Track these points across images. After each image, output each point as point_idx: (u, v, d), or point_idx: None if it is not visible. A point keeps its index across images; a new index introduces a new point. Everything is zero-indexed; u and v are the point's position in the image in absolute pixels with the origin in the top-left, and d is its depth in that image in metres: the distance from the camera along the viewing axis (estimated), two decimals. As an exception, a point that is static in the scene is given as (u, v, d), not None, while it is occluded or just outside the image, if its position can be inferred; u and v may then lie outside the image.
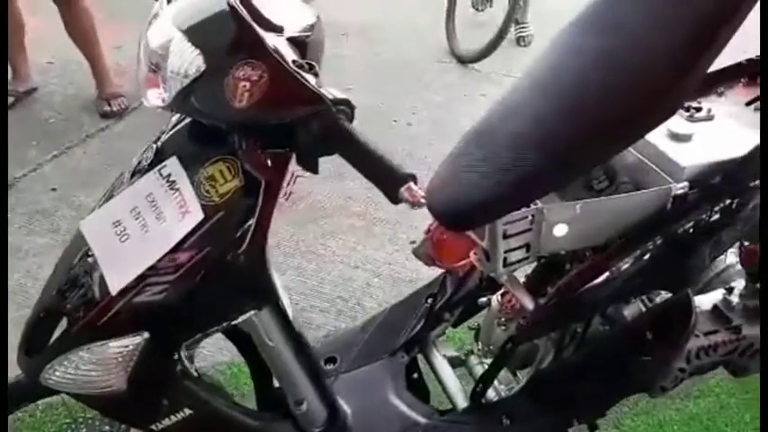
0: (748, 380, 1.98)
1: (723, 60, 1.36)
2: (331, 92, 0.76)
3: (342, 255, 2.30)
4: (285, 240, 2.33)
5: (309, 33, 0.84)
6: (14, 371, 1.10)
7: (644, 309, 1.26)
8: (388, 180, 0.72)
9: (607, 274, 1.21)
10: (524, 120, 1.06)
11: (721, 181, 1.17)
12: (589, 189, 1.25)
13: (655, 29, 0.98)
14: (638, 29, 1.00)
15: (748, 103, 1.31)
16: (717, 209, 1.18)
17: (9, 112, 2.82)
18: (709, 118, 1.29)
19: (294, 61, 0.77)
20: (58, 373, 0.92)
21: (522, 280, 1.35)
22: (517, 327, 1.27)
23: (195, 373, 0.97)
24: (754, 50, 1.27)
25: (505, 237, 1.14)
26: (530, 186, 1.05)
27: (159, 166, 0.86)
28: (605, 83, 1.01)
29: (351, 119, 0.77)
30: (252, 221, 0.88)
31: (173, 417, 0.92)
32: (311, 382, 1.21)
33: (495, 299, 1.36)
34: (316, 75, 0.77)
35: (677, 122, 1.26)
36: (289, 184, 1.01)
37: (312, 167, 0.83)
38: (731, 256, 1.56)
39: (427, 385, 1.48)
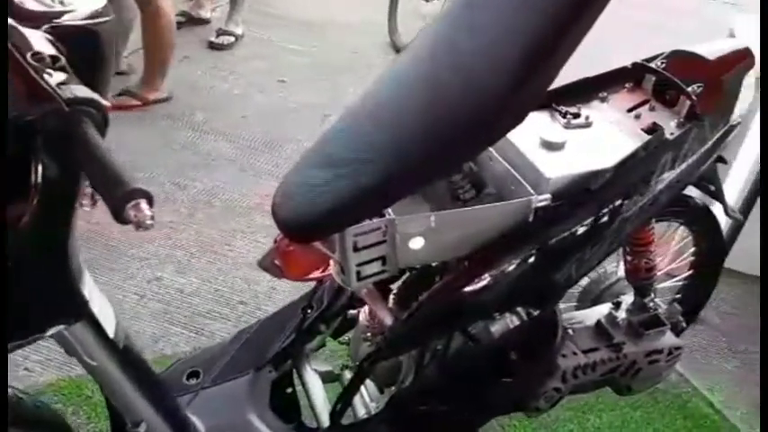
0: (656, 391, 1.95)
1: (602, 66, 1.32)
2: (73, 90, 0.67)
3: (250, 256, 2.20)
4: (190, 240, 2.23)
5: (89, 22, 0.75)
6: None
7: (511, 325, 1.19)
8: (116, 195, 0.63)
9: (472, 288, 1.14)
10: (369, 128, 1.01)
11: (587, 193, 1.10)
12: (456, 199, 1.18)
13: (496, 41, 0.93)
14: (480, 42, 0.95)
15: (630, 110, 1.24)
16: (582, 223, 1.11)
17: None
18: (587, 125, 1.23)
19: (35, 54, 0.67)
20: None
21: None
22: (376, 343, 1.20)
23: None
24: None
25: (357, 249, 1.07)
26: (371, 196, 0.98)
27: None
28: (450, 94, 0.96)
29: (99, 121, 0.68)
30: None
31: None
32: (149, 402, 1.12)
33: (364, 312, 1.29)
34: (63, 70, 0.68)
35: (552, 130, 1.20)
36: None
37: (62, 174, 0.73)
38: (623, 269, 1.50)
39: (299, 402, 1.40)
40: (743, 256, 2.35)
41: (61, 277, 0.89)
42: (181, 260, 2.15)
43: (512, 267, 1.14)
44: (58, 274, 0.88)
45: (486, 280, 1.14)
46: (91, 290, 0.98)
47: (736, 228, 2.07)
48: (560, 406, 1.83)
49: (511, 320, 1.19)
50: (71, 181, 0.79)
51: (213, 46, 3.47)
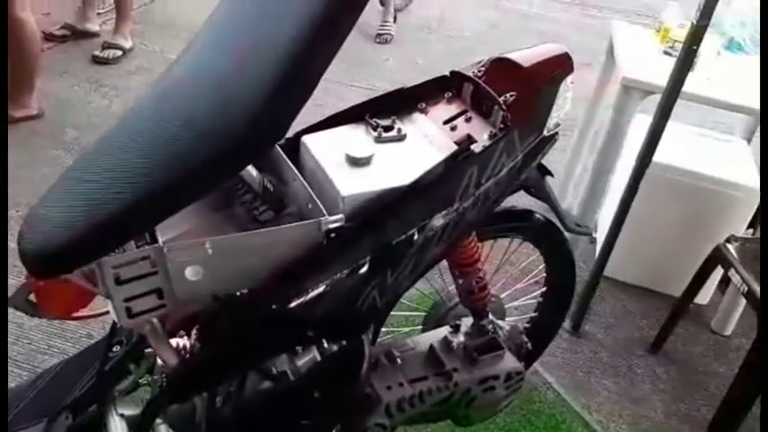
0: (529, 412, 1.88)
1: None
2: None
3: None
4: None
5: None
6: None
7: (319, 358, 1.08)
8: None
9: (266, 320, 1.03)
10: (114, 151, 0.93)
11: (383, 213, 1.01)
12: (254, 221, 1.07)
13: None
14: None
15: (446, 122, 1.16)
16: (380, 245, 1.02)
17: None
18: (400, 138, 1.14)
19: None
20: None
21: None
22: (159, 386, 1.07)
23: None
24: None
25: (120, 282, 0.95)
26: (111, 225, 0.87)
27: None
28: (199, 113, 0.89)
29: None
30: None
31: None
32: None
33: (162, 350, 1.15)
34: None
35: (359, 144, 1.10)
36: None
37: None
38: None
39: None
40: (627, 267, 2.33)
41: None
42: (25, 291, 1.97)
43: (311, 295, 1.03)
44: None
45: (280, 310, 1.03)
46: None
47: (611, 239, 2.02)
48: (424, 433, 1.75)
49: (315, 355, 1.08)
50: None
51: (97, 60, 3.29)
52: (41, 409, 1.22)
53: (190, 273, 0.97)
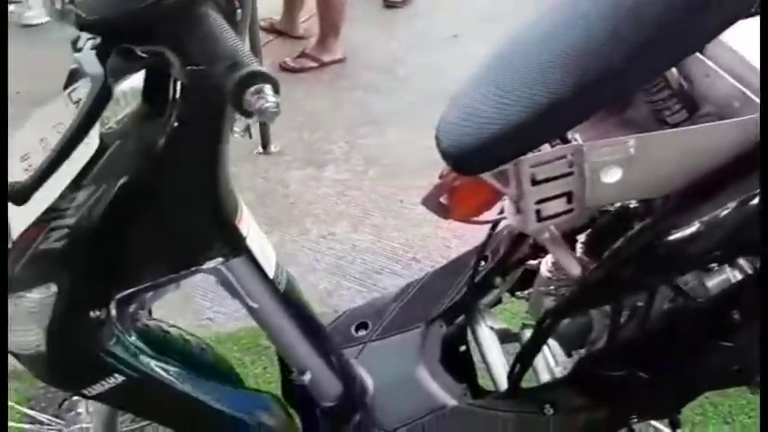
0: None
1: None
2: None
3: (422, 213, 2.11)
4: (363, 197, 2.20)
5: None
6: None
7: (733, 280, 0.96)
8: (233, 79, 0.53)
9: (681, 233, 0.93)
10: (536, 49, 0.90)
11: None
12: (662, 123, 0.98)
13: None
14: None
15: None
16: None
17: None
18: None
19: None
20: None
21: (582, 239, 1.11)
22: (561, 297, 1.03)
23: (131, 334, 0.84)
24: None
25: (535, 183, 0.92)
26: (547, 117, 0.84)
27: (70, 89, 0.74)
28: None
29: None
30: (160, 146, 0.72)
31: (104, 383, 0.81)
32: (314, 350, 1.06)
33: (545, 262, 1.12)
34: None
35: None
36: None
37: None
38: None
39: (473, 361, 1.28)
40: None
41: (213, 209, 0.84)
42: (354, 216, 2.12)
43: (733, 206, 0.91)
44: (208, 205, 0.83)
45: (699, 222, 0.92)
46: (249, 227, 0.93)
47: None
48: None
49: (732, 274, 0.96)
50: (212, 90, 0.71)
51: (388, 4, 3.42)
52: (416, 316, 1.27)
53: (607, 175, 0.91)
